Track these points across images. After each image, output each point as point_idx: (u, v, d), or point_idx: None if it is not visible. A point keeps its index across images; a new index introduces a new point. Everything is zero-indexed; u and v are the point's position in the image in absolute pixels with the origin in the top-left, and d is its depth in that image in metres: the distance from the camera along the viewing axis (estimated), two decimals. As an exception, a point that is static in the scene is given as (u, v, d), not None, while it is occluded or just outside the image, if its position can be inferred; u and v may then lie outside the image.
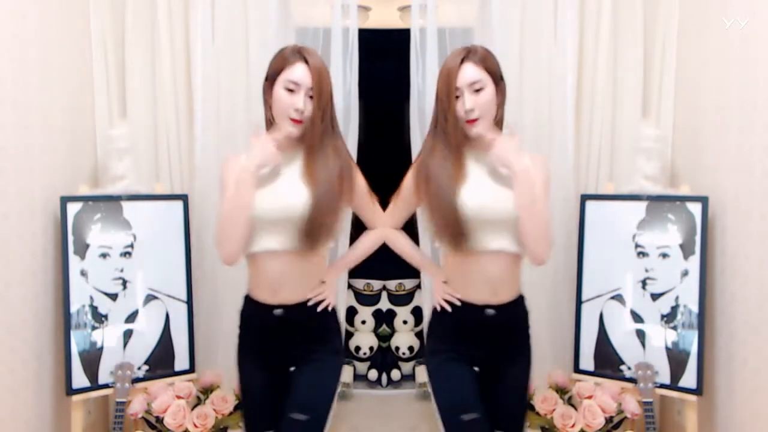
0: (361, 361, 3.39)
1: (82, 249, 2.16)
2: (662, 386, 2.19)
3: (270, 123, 1.70)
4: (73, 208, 2.15)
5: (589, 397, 2.16)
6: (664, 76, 2.45)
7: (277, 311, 1.68)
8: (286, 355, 1.72)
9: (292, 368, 1.72)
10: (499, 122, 1.71)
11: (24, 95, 1.97)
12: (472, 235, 1.63)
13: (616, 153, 2.46)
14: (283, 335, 1.71)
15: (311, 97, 1.61)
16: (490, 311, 1.68)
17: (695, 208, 2.17)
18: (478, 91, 1.61)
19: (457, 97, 1.63)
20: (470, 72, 1.61)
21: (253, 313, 1.73)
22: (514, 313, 1.74)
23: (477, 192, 1.64)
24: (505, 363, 1.72)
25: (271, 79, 1.66)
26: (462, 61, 1.62)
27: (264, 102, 1.71)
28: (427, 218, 1.69)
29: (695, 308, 2.15)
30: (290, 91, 1.61)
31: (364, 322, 3.42)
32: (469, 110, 1.61)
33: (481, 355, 1.71)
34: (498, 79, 1.67)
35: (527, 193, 1.61)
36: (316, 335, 1.73)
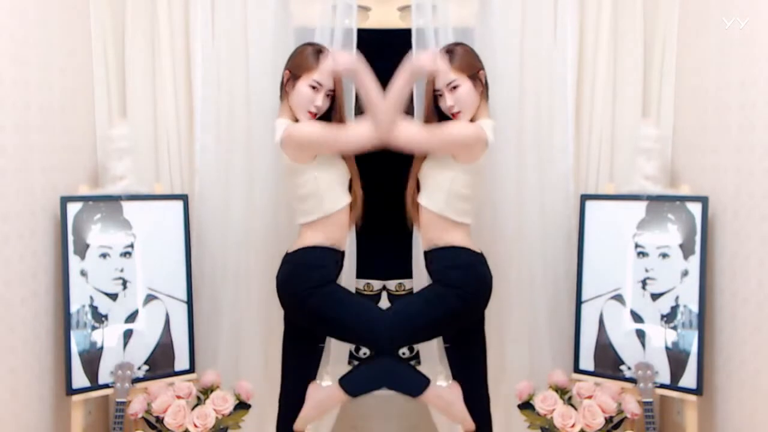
0: (361, 360, 3.38)
1: (82, 249, 2.16)
2: (662, 386, 2.19)
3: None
4: (73, 208, 2.15)
5: (589, 397, 2.16)
6: (664, 76, 2.45)
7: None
8: None
9: None
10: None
11: (24, 95, 1.97)
12: None
13: (616, 153, 2.46)
14: None
15: (327, 95, 1.96)
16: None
17: (695, 208, 2.17)
18: (455, 88, 1.92)
19: (441, 95, 1.96)
20: (444, 75, 1.92)
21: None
22: None
23: None
24: None
25: (295, 74, 1.95)
26: None
27: (282, 86, 2.02)
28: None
29: (695, 308, 2.15)
30: (313, 88, 1.93)
31: (364, 322, 3.41)
32: (450, 106, 1.94)
33: None
34: (475, 74, 1.95)
35: None
36: None
